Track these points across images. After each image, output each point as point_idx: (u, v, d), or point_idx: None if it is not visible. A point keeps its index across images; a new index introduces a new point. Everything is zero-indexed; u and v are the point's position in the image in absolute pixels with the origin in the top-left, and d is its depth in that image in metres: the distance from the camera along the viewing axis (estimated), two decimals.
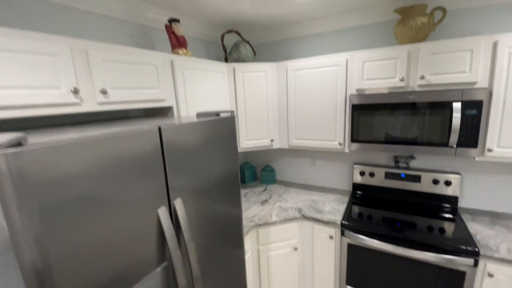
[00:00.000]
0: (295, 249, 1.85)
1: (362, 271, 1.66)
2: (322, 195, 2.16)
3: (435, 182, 1.79)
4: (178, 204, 0.88)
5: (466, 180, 1.78)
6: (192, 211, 1.00)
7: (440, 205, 1.81)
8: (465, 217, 1.68)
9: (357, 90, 1.72)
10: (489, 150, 1.43)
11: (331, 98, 1.82)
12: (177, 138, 0.91)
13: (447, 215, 1.69)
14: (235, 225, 1.28)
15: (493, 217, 1.66)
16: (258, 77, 1.95)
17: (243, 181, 2.56)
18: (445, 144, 1.48)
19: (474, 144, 1.42)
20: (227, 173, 1.18)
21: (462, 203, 1.82)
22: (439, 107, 1.46)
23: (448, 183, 1.76)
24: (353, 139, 1.75)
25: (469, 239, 1.40)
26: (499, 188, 1.69)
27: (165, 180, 0.86)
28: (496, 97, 1.37)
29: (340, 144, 1.85)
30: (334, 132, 1.86)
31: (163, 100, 1.35)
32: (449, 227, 1.55)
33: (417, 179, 1.85)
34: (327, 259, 1.79)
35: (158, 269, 0.81)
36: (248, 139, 2.03)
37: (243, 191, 2.34)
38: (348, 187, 2.22)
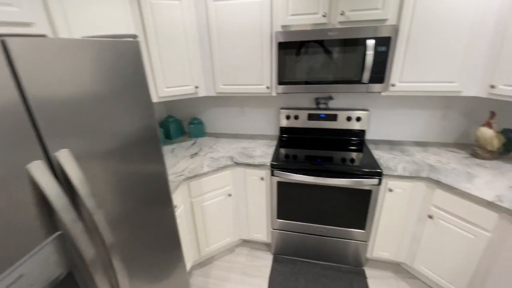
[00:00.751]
0: (229, 195, 1.85)
1: (290, 204, 1.80)
2: (252, 142, 2.15)
3: (348, 119, 1.98)
4: (63, 156, 0.66)
5: (373, 115, 2.03)
6: (102, 174, 0.80)
7: (352, 139, 2.05)
8: (370, 146, 1.95)
9: (282, 26, 1.63)
10: (393, 85, 1.60)
11: (256, 36, 1.67)
12: (45, 63, 0.64)
13: (357, 147, 1.93)
14: (160, 182, 1.12)
15: (392, 144, 1.98)
16: (171, 8, 1.61)
17: (168, 137, 2.32)
18: (359, 81, 1.59)
19: (381, 80, 1.57)
20: (141, 125, 0.97)
21: (368, 136, 2.10)
22: (355, 44, 1.51)
23: (358, 119, 1.97)
24: (280, 81, 1.71)
25: (374, 164, 1.64)
26: (397, 120, 2.00)
27: (31, 125, 0.61)
28: (402, 33, 1.49)
29: (267, 87, 1.80)
30: (261, 75, 1.78)
31: (28, 25, 0.96)
32: (358, 156, 1.77)
33: (334, 117, 2.01)
34: (260, 199, 1.87)
35: (49, 240, 0.62)
36: (168, 86, 1.76)
37: (169, 147, 2.13)
38: (276, 132, 2.28)
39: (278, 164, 1.71)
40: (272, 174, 1.73)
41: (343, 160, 1.73)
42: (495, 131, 1.62)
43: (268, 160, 1.77)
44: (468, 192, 1.32)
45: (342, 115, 1.99)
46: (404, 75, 1.57)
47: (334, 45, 1.54)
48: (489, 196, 1.28)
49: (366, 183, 1.58)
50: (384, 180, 1.59)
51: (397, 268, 1.87)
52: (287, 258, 1.99)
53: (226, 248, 2.12)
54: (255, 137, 2.26)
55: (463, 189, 1.35)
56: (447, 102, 1.86)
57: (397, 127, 2.02)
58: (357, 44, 1.51)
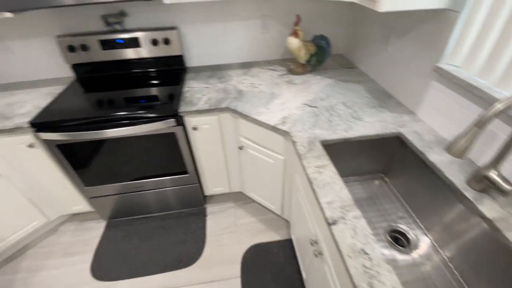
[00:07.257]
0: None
1: (92, 167, 1.42)
2: (30, 92, 1.52)
3: (154, 42, 1.52)
4: None
5: (188, 34, 1.62)
6: None
7: (166, 69, 1.66)
8: (189, 77, 1.61)
9: None
10: None
11: None
12: None
13: (172, 79, 1.56)
14: None
15: (215, 70, 1.68)
16: None
17: None
18: None
19: None
20: None
21: (192, 62, 1.74)
22: None
23: (167, 41, 1.53)
24: None
25: (173, 102, 1.32)
26: (217, 38, 1.65)
27: None
28: None
29: None
30: None
31: None
32: (164, 93, 1.42)
33: (135, 42, 1.52)
34: (47, 174, 1.42)
35: None
36: None
37: None
38: (68, 73, 1.67)
39: (43, 123, 1.22)
40: (41, 137, 1.25)
41: (144, 100, 1.35)
42: (302, 39, 1.46)
43: (27, 119, 1.25)
44: (257, 118, 1.18)
45: (145, 38, 1.51)
46: None
47: None
48: (275, 120, 1.16)
49: (163, 125, 1.29)
50: (186, 119, 1.33)
51: (238, 197, 1.89)
52: (122, 220, 1.75)
53: (44, 230, 1.72)
54: (39, 84, 1.62)
55: (255, 115, 1.20)
56: (262, 5, 1.57)
57: (219, 47, 1.70)
58: None
